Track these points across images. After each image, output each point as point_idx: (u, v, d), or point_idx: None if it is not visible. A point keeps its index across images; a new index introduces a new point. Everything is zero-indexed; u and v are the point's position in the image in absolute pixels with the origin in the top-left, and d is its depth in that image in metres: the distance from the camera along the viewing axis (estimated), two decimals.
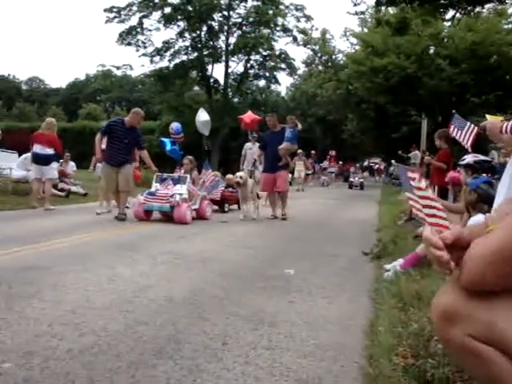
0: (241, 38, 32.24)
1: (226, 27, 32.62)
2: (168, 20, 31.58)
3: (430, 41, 20.22)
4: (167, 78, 31.98)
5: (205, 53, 32.75)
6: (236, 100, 34.97)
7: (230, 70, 33.45)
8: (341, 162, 30.11)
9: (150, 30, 32.40)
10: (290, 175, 16.93)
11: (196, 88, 36.89)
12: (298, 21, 32.44)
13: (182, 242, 5.95)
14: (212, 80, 33.55)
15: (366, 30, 27.81)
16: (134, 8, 31.25)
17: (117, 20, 31.57)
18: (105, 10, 31.35)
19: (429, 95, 19.78)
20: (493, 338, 1.19)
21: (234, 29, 32.93)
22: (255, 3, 31.99)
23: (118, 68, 41.40)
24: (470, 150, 5.80)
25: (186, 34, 32.57)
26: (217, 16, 32.26)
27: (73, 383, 2.08)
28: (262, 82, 36.34)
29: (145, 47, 32.67)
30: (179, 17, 31.46)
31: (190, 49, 32.91)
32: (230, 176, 8.71)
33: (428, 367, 2.12)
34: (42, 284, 3.63)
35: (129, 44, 32.48)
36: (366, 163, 37.29)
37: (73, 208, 9.81)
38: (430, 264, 4.12)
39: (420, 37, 19.79)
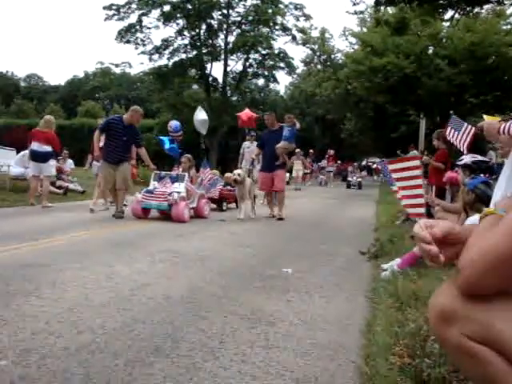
0: (240, 37, 32.27)
1: (225, 26, 32.67)
2: (167, 18, 31.59)
3: (428, 41, 20.27)
4: (166, 76, 32.00)
5: (204, 51, 32.79)
6: (235, 98, 35.03)
7: (228, 69, 33.51)
8: (339, 162, 30.11)
9: (149, 28, 32.48)
10: (288, 174, 16.97)
11: (195, 86, 36.92)
12: (297, 20, 32.56)
13: (180, 241, 5.95)
14: (211, 78, 33.59)
15: (365, 29, 27.86)
16: (134, 6, 31.31)
17: (116, 18, 31.62)
18: (104, 8, 31.37)
19: (427, 95, 19.82)
20: (489, 338, 1.20)
21: (234, 27, 32.98)
22: (254, 2, 32.08)
23: (116, 66, 41.31)
24: (465, 152, 5.81)
25: (185, 32, 32.60)
26: (216, 14, 32.33)
27: (69, 381, 2.08)
28: (260, 81, 36.50)
29: (144, 45, 32.75)
30: (178, 15, 31.48)
31: (189, 47, 32.94)
32: (228, 174, 8.71)
33: (424, 367, 2.12)
34: (40, 281, 3.62)
35: (128, 42, 32.49)
36: (364, 163, 37.31)
37: (71, 205, 9.80)
38: (428, 264, 4.14)
39: (419, 37, 19.86)
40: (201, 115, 11.06)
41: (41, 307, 3.04)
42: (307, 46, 32.52)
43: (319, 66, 35.01)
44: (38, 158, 9.21)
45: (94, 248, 5.17)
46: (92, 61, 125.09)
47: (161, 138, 10.31)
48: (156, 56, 32.91)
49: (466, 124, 6.23)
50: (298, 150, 19.33)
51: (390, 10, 19.76)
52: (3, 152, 13.05)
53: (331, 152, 26.27)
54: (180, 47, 32.97)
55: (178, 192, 7.78)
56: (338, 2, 69.68)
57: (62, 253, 4.80)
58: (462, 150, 6.08)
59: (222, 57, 33.11)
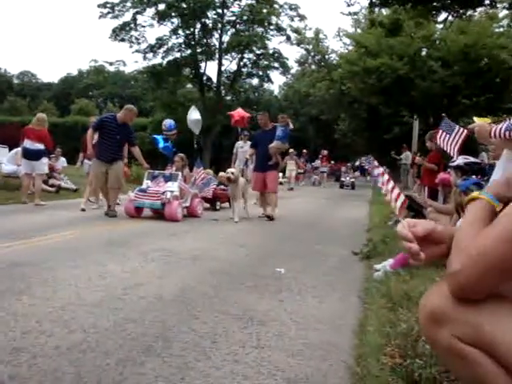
0: (234, 36, 32.28)
1: (219, 25, 32.61)
2: (162, 17, 31.52)
3: (422, 43, 20.38)
4: (160, 74, 31.95)
5: (198, 50, 32.75)
6: (229, 98, 34.99)
7: (223, 68, 33.51)
8: (332, 162, 30.18)
9: (143, 27, 32.43)
10: (281, 174, 16.98)
11: (189, 85, 36.86)
12: (292, 20, 32.62)
13: (172, 240, 5.94)
14: (205, 78, 33.57)
15: (359, 30, 27.99)
16: (128, 4, 31.21)
17: (110, 16, 31.51)
18: (98, 6, 31.28)
19: (421, 96, 19.91)
20: (479, 340, 1.21)
21: (228, 27, 32.96)
22: (249, 2, 32.05)
23: (110, 64, 41.41)
24: (455, 156, 5.84)
25: (180, 31, 32.55)
26: (211, 14, 32.30)
27: (60, 380, 2.07)
28: (255, 81, 36.48)
29: (138, 43, 32.69)
30: (173, 14, 31.41)
31: (183, 46, 32.90)
32: (222, 174, 8.69)
33: (415, 367, 2.13)
34: (31, 280, 3.61)
35: (122, 40, 32.41)
36: (357, 163, 37.38)
37: (63, 203, 9.75)
38: (420, 265, 4.16)
39: (413, 38, 19.95)
40: (194, 115, 11.04)
41: (32, 306, 3.02)
42: (301, 46, 32.62)
43: (313, 67, 35.13)
44: (31, 155, 9.16)
45: (86, 247, 5.15)
46: (86, 58, 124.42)
47: (155, 136, 10.28)
48: (150, 55, 32.91)
49: (457, 127, 6.26)
50: (291, 150, 19.36)
51: (384, 11, 19.86)
52: None
53: (325, 152, 26.33)
54: (174, 46, 32.93)
55: (172, 191, 7.76)
56: (332, 2, 70.02)
57: (54, 251, 4.78)
58: (452, 154, 6.11)
59: (217, 56, 33.09)
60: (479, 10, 16.66)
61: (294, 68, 38.78)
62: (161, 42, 32.64)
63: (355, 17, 29.34)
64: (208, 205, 9.61)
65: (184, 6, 30.89)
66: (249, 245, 5.89)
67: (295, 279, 4.15)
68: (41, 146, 9.17)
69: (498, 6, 13.78)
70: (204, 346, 2.53)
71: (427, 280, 3.50)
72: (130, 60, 68.48)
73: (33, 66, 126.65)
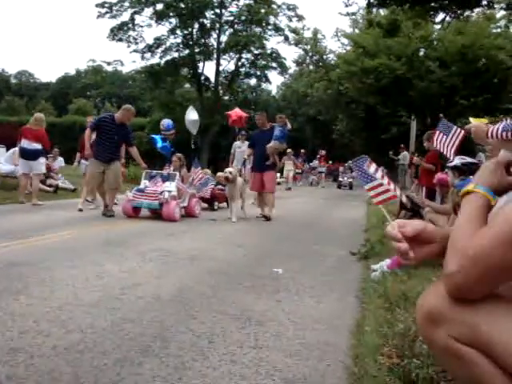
0: (232, 36, 32.26)
1: (217, 25, 32.59)
2: (160, 17, 31.49)
3: (420, 43, 20.41)
4: (158, 74, 31.92)
5: (196, 50, 32.73)
6: (226, 98, 34.97)
7: (221, 68, 33.48)
8: (330, 162, 30.19)
9: (141, 27, 32.41)
10: (279, 174, 16.98)
11: (187, 85, 36.83)
12: (290, 20, 32.60)
13: (170, 240, 5.94)
14: (203, 78, 33.55)
15: (357, 30, 28.00)
16: (126, 4, 31.17)
17: (108, 15, 31.47)
18: (96, 5, 31.23)
19: (419, 97, 19.93)
20: (476, 340, 1.21)
21: (226, 27, 32.94)
22: (247, 1, 32.04)
23: (108, 64, 41.37)
24: (451, 158, 5.85)
25: (178, 31, 32.51)
26: (209, 14, 32.28)
27: (58, 380, 2.07)
28: (252, 81, 36.45)
29: (136, 43, 32.64)
30: (171, 14, 31.39)
31: (181, 46, 32.87)
32: (220, 174, 8.69)
33: (413, 367, 2.14)
34: (29, 280, 3.60)
35: (120, 40, 32.37)
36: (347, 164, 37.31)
37: (61, 203, 9.74)
38: (417, 265, 4.17)
39: (410, 39, 19.98)
40: (192, 115, 11.04)
41: (29, 306, 3.02)
42: (299, 46, 32.63)
43: (311, 67, 35.15)
44: (28, 155, 9.14)
45: (83, 246, 5.14)
46: (84, 58, 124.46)
47: (153, 136, 10.28)
48: (148, 54, 32.86)
49: (455, 127, 6.28)
50: (289, 151, 19.38)
51: (382, 12, 19.90)
52: None
53: (323, 152, 26.35)
54: (172, 46, 32.91)
55: (169, 191, 7.76)
56: (330, 3, 70.11)
57: (52, 251, 4.77)
58: (448, 155, 6.12)
59: (215, 56, 33.09)
60: (477, 10, 16.71)
61: (292, 68, 38.81)
62: (159, 41, 32.62)
63: (353, 17, 29.39)
64: (206, 205, 9.61)
65: (182, 5, 30.88)
66: (247, 245, 5.89)
67: (293, 279, 4.15)
68: (38, 146, 9.15)
69: (496, 6, 13.81)
70: (202, 346, 2.53)
71: (424, 280, 3.51)
72: (128, 60, 68.76)
73: (30, 66, 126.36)
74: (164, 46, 32.78)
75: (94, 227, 6.73)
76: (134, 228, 6.92)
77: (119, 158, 8.44)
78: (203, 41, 32.92)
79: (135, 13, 31.46)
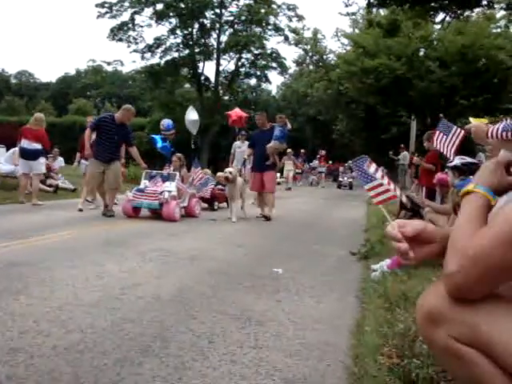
0: (232, 36, 32.26)
1: (217, 25, 32.59)
2: (160, 17, 31.49)
3: (420, 43, 20.41)
4: (158, 74, 31.92)
5: (196, 50, 32.73)
6: (227, 98, 34.97)
7: (221, 68, 33.48)
8: (330, 162, 30.19)
9: (141, 27, 32.40)
10: (279, 175, 16.98)
11: (187, 85, 36.83)
12: (290, 20, 32.59)
13: (170, 240, 5.94)
14: (203, 78, 33.55)
15: (357, 30, 27.99)
16: (126, 4, 31.16)
17: (108, 15, 31.46)
18: (96, 5, 31.22)
19: (419, 97, 19.93)
20: (476, 340, 1.21)
21: (226, 27, 32.93)
22: (247, 1, 32.03)
23: (108, 64, 41.42)
24: (451, 158, 5.85)
25: (178, 31, 32.51)
26: (209, 14, 32.27)
27: (58, 380, 2.07)
28: (252, 81, 36.45)
29: (136, 43, 32.64)
30: (171, 14, 31.38)
31: (181, 46, 32.87)
32: (220, 174, 8.69)
33: (413, 367, 2.14)
34: (29, 280, 3.60)
35: (120, 40, 32.37)
36: (347, 164, 37.29)
37: (61, 203, 9.74)
38: (417, 265, 4.17)
39: (410, 39, 19.98)
40: (192, 115, 11.04)
41: (29, 306, 3.02)
42: (299, 46, 32.62)
43: (311, 67, 35.15)
44: (28, 155, 9.15)
45: (84, 246, 5.14)
46: (84, 58, 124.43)
47: (153, 136, 10.28)
48: (148, 54, 32.86)
49: (455, 127, 6.28)
50: (289, 151, 19.39)
51: (382, 12, 19.89)
52: None
53: (323, 152, 26.35)
54: (172, 46, 32.91)
55: (169, 191, 7.76)
56: (330, 3, 70.11)
57: (52, 251, 4.77)
58: (448, 155, 6.12)
59: (215, 56, 33.08)
60: (477, 10, 16.70)
61: (292, 68, 38.80)
62: (159, 41, 32.62)
63: (353, 17, 29.39)
64: (206, 205, 9.61)
65: (182, 5, 30.88)
66: (247, 245, 5.89)
67: (293, 279, 4.15)
68: (38, 146, 9.15)
69: (496, 6, 13.80)
70: (202, 346, 2.53)
71: (424, 280, 3.51)
72: (128, 60, 68.78)
73: (30, 66, 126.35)
74: (164, 46, 32.82)
75: (94, 227, 6.73)
76: (134, 228, 6.92)
77: (119, 158, 8.44)
78: (203, 41, 32.92)
79: (135, 13, 31.46)
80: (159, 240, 5.86)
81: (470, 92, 19.21)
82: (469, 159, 5.17)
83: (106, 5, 31.11)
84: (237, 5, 32.43)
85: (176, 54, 32.90)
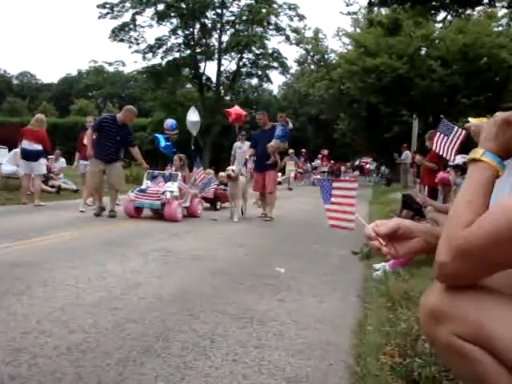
0: (234, 36, 32.26)
1: (219, 25, 32.60)
2: (161, 17, 31.49)
3: (421, 42, 20.39)
4: (160, 74, 31.93)
5: (197, 50, 32.75)
6: (228, 98, 34.97)
7: (222, 68, 33.48)
8: (332, 161, 30.20)
9: (142, 27, 32.36)
10: (280, 174, 16.97)
11: (188, 85, 36.84)
12: (291, 20, 32.54)
13: (172, 240, 5.94)
14: (204, 78, 33.55)
15: (358, 30, 27.99)
16: (127, 4, 31.16)
17: (110, 16, 31.45)
18: (98, 6, 31.19)
19: (420, 96, 19.91)
20: (479, 337, 1.20)
21: (227, 27, 32.93)
22: (248, 1, 32.02)
23: (110, 64, 41.35)
24: (452, 158, 5.83)
25: (179, 32, 32.52)
26: (210, 14, 32.27)
27: (60, 380, 2.07)
28: (254, 81, 36.48)
29: (137, 44, 32.63)
30: (172, 14, 31.38)
31: (182, 46, 32.87)
32: (222, 173, 8.69)
33: (415, 366, 2.13)
34: (31, 280, 3.60)
35: (121, 40, 32.37)
36: (357, 163, 37.35)
37: (63, 204, 9.75)
38: (419, 264, 4.16)
39: (412, 38, 19.95)
40: (193, 116, 11.06)
41: (32, 306, 3.02)
42: (301, 45, 32.57)
43: (313, 66, 35.08)
44: (29, 156, 9.16)
45: (85, 247, 5.15)
46: (85, 59, 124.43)
47: (156, 135, 10.30)
48: (150, 55, 32.85)
49: (456, 128, 6.26)
50: (291, 151, 19.37)
51: (384, 11, 19.84)
52: None
53: (325, 152, 26.35)
54: (174, 46, 32.91)
55: (171, 191, 7.76)
56: (331, 2, 70.06)
57: (54, 251, 4.78)
58: (448, 157, 6.10)
59: (216, 56, 33.07)
60: (478, 9, 16.69)
61: (294, 68, 38.79)
62: (160, 42, 32.62)
63: (354, 16, 29.25)
64: (208, 204, 9.61)
65: (183, 6, 30.86)
66: (248, 245, 5.89)
67: (295, 279, 4.15)
68: (39, 147, 9.17)
69: (497, 4, 13.78)
70: (204, 346, 2.53)
71: (427, 279, 3.50)
72: (130, 60, 68.64)
73: (32, 67, 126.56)
74: (165, 47, 32.83)
75: (96, 228, 6.74)
76: (136, 228, 6.93)
77: (120, 159, 8.44)
78: (204, 41, 32.93)
79: (136, 13, 31.46)
80: (161, 240, 5.86)
81: (472, 91, 19.18)
82: None
83: (108, 5, 31.11)
84: (238, 5, 32.46)
85: (177, 55, 32.95)
